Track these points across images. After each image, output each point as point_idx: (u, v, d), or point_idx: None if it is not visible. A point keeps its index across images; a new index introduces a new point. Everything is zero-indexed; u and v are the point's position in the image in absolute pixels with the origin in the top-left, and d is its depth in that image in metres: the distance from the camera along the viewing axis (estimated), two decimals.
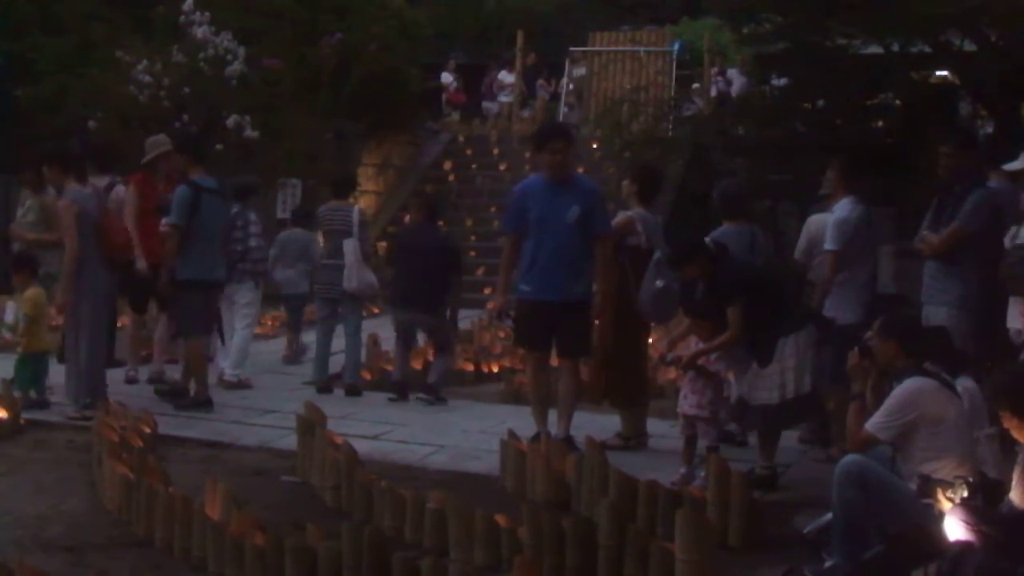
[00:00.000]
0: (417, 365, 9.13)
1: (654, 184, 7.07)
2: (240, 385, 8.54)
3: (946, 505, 4.11)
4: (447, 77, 21.88)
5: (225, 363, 8.74)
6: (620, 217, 6.85)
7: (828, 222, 6.73)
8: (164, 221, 7.77)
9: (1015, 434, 4.04)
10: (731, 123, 14.06)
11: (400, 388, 8.29)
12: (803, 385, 5.83)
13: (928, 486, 4.28)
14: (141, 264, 8.21)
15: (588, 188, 6.73)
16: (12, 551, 4.70)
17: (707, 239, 6.28)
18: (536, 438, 6.33)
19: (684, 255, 6.18)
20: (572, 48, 21.48)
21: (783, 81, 13.60)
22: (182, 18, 14.48)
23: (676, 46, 20.51)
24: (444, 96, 21.79)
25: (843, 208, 6.63)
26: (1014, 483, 4.09)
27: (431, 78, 20.82)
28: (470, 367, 9.46)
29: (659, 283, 6.49)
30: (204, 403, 7.67)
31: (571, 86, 21.18)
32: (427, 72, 20.34)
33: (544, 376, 6.76)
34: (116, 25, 15.01)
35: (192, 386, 7.80)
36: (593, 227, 6.55)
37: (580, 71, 21.15)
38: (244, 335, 8.78)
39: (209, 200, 7.69)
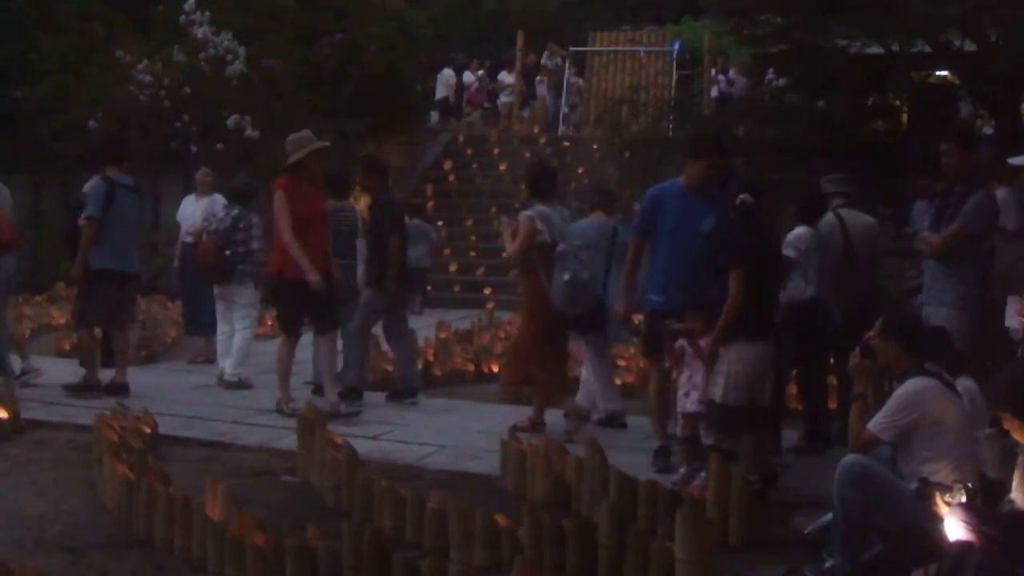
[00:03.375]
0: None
1: (544, 179, 7.29)
2: (240, 385, 8.55)
3: (944, 509, 4.10)
4: (469, 77, 21.87)
5: (225, 363, 8.76)
6: (522, 218, 7.04)
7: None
8: (83, 215, 8.07)
9: (1015, 435, 4.04)
10: (731, 123, 14.07)
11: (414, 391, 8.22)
12: (737, 398, 5.65)
13: (927, 490, 4.28)
14: (314, 278, 7.40)
15: (720, 197, 6.30)
16: (12, 551, 4.70)
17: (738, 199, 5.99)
18: (662, 451, 6.30)
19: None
20: (550, 42, 21.55)
21: (783, 81, 13.62)
22: (182, 18, 14.51)
23: (676, 46, 20.53)
24: (465, 96, 21.79)
25: None
26: (1015, 484, 4.09)
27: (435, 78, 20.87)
28: (470, 367, 9.46)
29: (566, 276, 6.76)
30: (93, 387, 7.98)
31: (543, 77, 21.30)
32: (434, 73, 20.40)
33: (669, 387, 6.47)
34: (116, 25, 15.03)
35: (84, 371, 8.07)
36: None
37: (556, 61, 21.24)
38: (245, 335, 8.81)
39: (123, 195, 8.02)
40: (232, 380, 8.57)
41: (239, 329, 8.80)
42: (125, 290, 8.14)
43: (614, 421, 7.38)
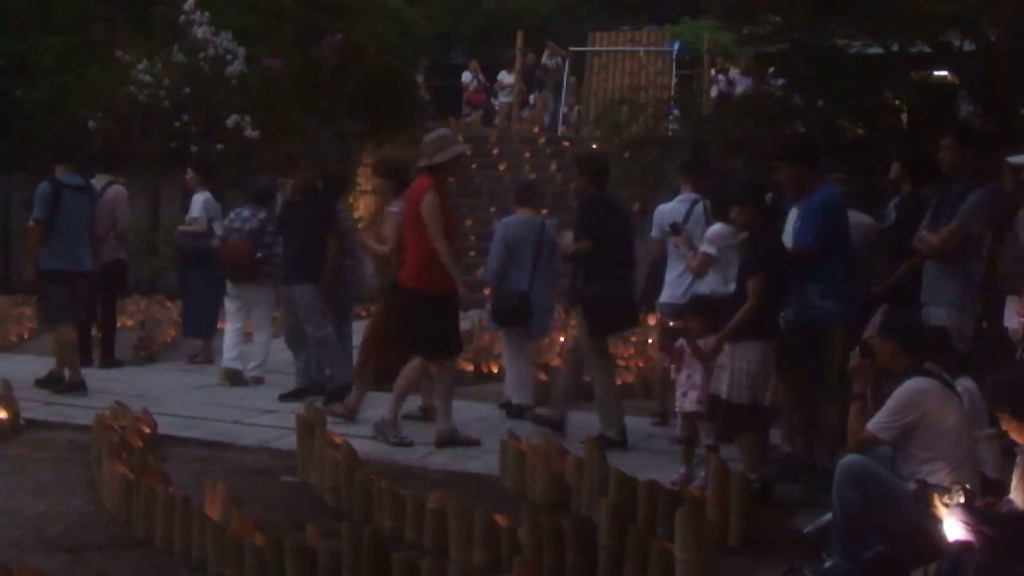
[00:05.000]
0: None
1: (402, 177, 7.58)
2: (241, 379, 8.72)
3: (942, 511, 4.10)
4: (467, 76, 21.87)
5: (226, 357, 8.81)
6: (390, 215, 7.35)
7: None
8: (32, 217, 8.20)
9: (1014, 435, 4.04)
10: (732, 123, 14.05)
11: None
12: (740, 395, 5.68)
13: (925, 492, 4.27)
14: (463, 292, 6.76)
15: (811, 202, 6.05)
16: (12, 551, 4.70)
17: (767, 197, 5.98)
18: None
19: (741, 197, 5.98)
20: (550, 41, 21.54)
21: (782, 81, 13.62)
22: (182, 18, 14.50)
23: (676, 46, 20.52)
24: (464, 96, 21.78)
25: None
26: (1014, 484, 4.09)
27: (437, 78, 20.85)
28: (470, 367, 9.45)
29: None
30: (78, 386, 8.07)
31: (541, 73, 21.34)
32: (439, 72, 20.36)
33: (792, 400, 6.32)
34: (116, 25, 15.03)
35: (66, 372, 8.16)
36: (796, 239, 6.07)
37: (556, 60, 21.24)
38: (267, 335, 9.03)
39: (70, 196, 8.12)
40: (257, 376, 8.74)
41: (261, 329, 8.96)
42: (77, 288, 8.27)
43: (523, 414, 7.58)
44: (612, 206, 7.26)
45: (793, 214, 6.30)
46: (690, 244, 7.01)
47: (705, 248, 6.88)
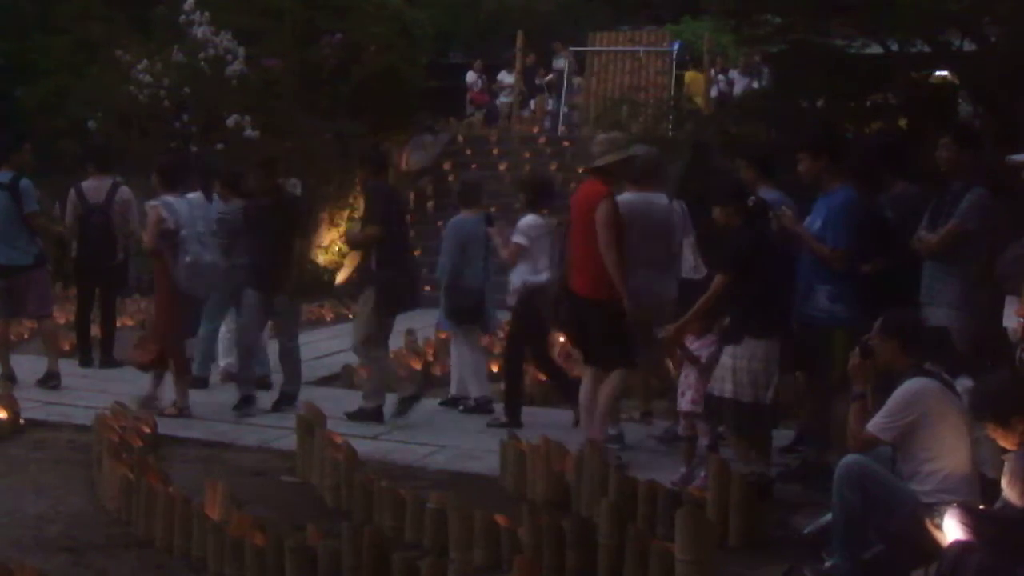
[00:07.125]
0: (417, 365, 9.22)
1: (176, 171, 7.93)
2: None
3: (937, 534, 4.08)
4: (471, 76, 21.86)
5: (226, 360, 8.79)
6: (148, 208, 7.58)
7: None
8: None
9: (1001, 442, 4.06)
10: (731, 123, 14.06)
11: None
12: (743, 393, 5.67)
13: (918, 513, 4.25)
14: (629, 306, 6.23)
15: (833, 201, 6.03)
16: (12, 551, 4.71)
17: (750, 199, 5.95)
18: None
19: (722, 197, 5.95)
20: (555, 43, 21.55)
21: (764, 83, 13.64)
22: (182, 18, 14.51)
23: (676, 46, 20.50)
24: (468, 96, 21.78)
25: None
26: (1004, 485, 4.09)
27: (436, 77, 20.83)
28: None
29: (187, 258, 7.51)
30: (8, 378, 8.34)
31: (550, 76, 21.32)
32: (439, 72, 20.34)
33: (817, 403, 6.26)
34: (116, 25, 15.05)
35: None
36: (827, 241, 5.99)
37: (562, 62, 21.24)
38: (264, 334, 8.88)
39: None
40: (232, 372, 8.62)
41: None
42: (10, 281, 8.38)
43: (483, 408, 7.76)
44: (394, 195, 7.95)
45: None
46: (503, 235, 7.58)
47: (516, 238, 7.38)
